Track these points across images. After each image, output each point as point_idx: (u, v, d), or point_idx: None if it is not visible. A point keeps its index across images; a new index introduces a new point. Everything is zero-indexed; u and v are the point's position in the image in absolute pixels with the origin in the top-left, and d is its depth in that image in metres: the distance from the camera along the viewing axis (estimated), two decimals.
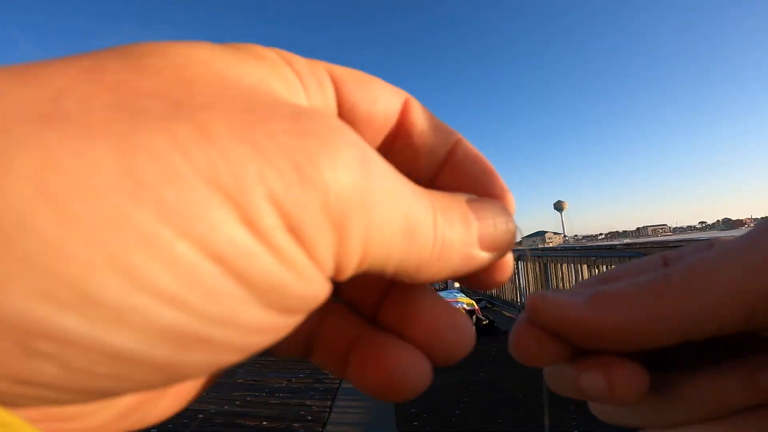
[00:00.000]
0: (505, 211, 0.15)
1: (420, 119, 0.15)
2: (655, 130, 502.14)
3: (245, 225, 0.10)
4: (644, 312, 0.15)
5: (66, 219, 0.08)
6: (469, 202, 0.15)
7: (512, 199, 0.17)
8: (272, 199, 0.10)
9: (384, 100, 0.15)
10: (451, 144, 0.16)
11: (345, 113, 0.14)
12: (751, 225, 0.17)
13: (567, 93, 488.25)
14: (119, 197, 0.09)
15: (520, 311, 6.05)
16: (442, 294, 4.94)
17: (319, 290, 0.12)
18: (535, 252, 5.91)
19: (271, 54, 0.13)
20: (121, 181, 0.09)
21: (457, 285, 8.51)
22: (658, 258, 0.19)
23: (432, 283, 0.16)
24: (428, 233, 0.13)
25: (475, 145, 0.16)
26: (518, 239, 0.16)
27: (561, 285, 4.92)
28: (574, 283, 4.63)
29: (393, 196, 0.12)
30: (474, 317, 4.59)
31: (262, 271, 0.10)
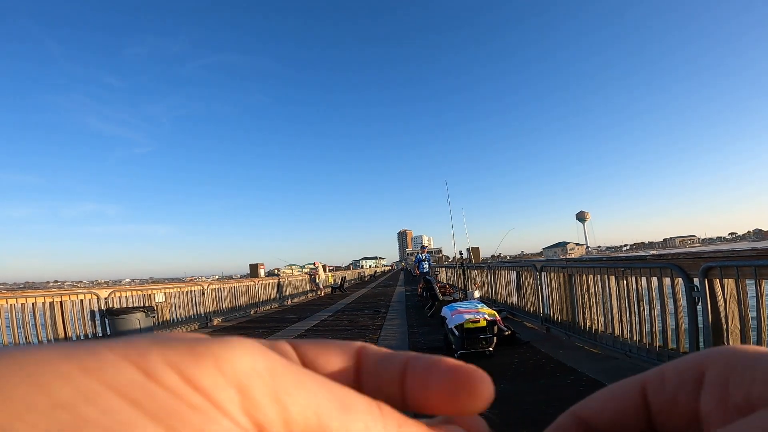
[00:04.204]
0: None
1: (370, 361, 0.18)
2: (681, 136, 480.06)
3: None
4: None
5: None
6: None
7: (488, 391, 0.17)
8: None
9: (333, 358, 0.18)
10: (401, 368, 0.18)
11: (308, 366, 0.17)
12: None
13: (589, 99, 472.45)
14: None
15: (542, 322, 5.93)
16: (463, 304, 4.90)
17: None
18: (559, 263, 5.74)
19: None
20: None
21: (477, 295, 8.40)
22: (637, 384, 0.19)
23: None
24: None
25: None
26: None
27: (586, 297, 4.77)
28: (600, 295, 4.47)
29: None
30: (495, 327, 4.50)
31: None
